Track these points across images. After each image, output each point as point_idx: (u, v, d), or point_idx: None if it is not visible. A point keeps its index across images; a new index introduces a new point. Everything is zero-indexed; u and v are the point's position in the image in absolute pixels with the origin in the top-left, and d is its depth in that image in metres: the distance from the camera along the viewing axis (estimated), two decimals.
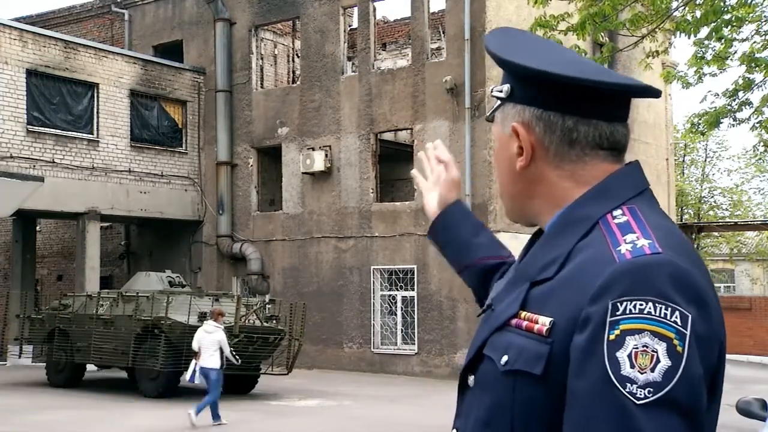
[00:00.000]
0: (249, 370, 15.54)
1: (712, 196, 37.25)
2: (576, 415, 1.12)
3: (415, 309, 19.56)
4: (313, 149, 21.07)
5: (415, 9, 20.20)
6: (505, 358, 1.23)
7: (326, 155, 20.87)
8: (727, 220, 33.22)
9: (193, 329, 14.47)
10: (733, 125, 11.90)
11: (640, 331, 1.09)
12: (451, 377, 17.38)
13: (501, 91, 1.36)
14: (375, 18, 21.23)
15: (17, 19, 23.78)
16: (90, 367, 17.06)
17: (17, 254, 22.63)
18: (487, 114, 1.44)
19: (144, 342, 15.07)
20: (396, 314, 20.07)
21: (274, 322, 15.90)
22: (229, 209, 22.67)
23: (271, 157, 22.78)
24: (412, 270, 19.65)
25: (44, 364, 17.06)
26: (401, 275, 19.92)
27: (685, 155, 36.49)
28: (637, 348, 1.09)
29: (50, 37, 20.47)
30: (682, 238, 1.23)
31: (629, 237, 1.18)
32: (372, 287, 20.16)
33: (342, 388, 16.71)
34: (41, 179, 17.27)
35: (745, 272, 39.72)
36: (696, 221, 31.06)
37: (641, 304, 1.10)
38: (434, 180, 1.84)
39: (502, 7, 19.17)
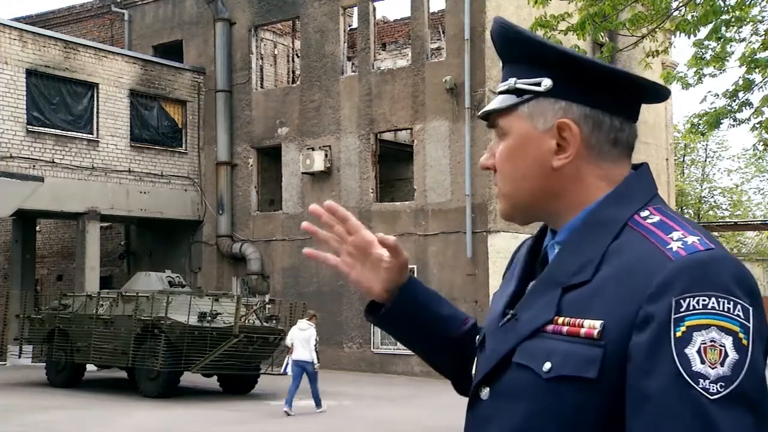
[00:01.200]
0: (249, 370, 15.56)
1: (712, 196, 37.30)
2: (647, 414, 1.11)
3: None
4: (313, 149, 21.07)
5: (415, 9, 20.19)
6: (548, 365, 1.20)
7: (326, 155, 20.87)
8: (727, 220, 33.23)
9: (193, 329, 14.51)
10: (733, 126, 11.88)
11: (706, 327, 1.09)
12: None
13: (538, 84, 1.29)
14: (375, 18, 21.23)
15: (17, 19, 23.77)
16: (90, 367, 17.04)
17: (17, 254, 22.62)
18: (488, 108, 1.34)
19: (144, 342, 15.05)
20: None
21: (274, 322, 15.89)
22: (229, 209, 22.67)
23: (271, 157, 22.78)
24: (413, 270, 19.62)
25: (44, 364, 17.03)
26: None
27: (685, 155, 36.52)
28: (705, 343, 1.09)
29: (50, 37, 20.47)
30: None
31: (675, 235, 1.17)
32: None
33: (342, 388, 16.69)
34: (41, 179, 17.28)
35: None
36: (696, 221, 31.05)
37: (704, 300, 1.10)
38: (355, 254, 1.61)
39: (502, 6, 19.16)
